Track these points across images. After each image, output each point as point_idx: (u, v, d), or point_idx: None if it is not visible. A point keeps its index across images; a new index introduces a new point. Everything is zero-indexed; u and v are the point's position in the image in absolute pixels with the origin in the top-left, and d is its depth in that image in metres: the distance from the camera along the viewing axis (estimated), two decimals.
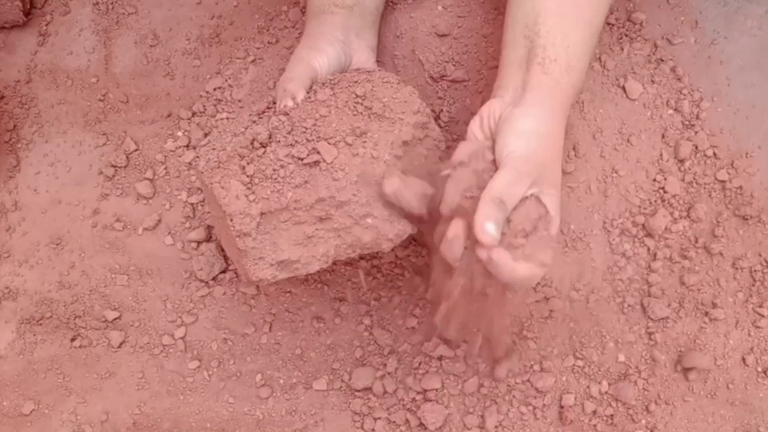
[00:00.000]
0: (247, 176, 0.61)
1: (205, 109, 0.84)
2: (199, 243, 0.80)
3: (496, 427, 0.75)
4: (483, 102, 0.69)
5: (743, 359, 0.77)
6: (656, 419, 0.76)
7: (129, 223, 0.82)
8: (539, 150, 0.64)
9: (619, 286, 0.78)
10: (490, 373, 0.77)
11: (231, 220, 0.61)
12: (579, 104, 0.81)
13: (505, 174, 0.62)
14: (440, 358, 0.77)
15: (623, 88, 0.82)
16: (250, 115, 0.67)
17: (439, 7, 0.83)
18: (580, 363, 0.77)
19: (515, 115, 0.65)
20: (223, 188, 0.61)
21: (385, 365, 0.77)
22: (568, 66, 0.66)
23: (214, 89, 0.84)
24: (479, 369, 0.77)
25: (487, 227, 0.60)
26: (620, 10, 0.84)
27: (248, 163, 0.62)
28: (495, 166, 0.63)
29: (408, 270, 0.78)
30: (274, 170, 0.61)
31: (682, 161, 0.80)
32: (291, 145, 0.62)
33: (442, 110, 0.80)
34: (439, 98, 0.81)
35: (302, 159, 0.62)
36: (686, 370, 0.76)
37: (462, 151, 0.64)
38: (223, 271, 0.80)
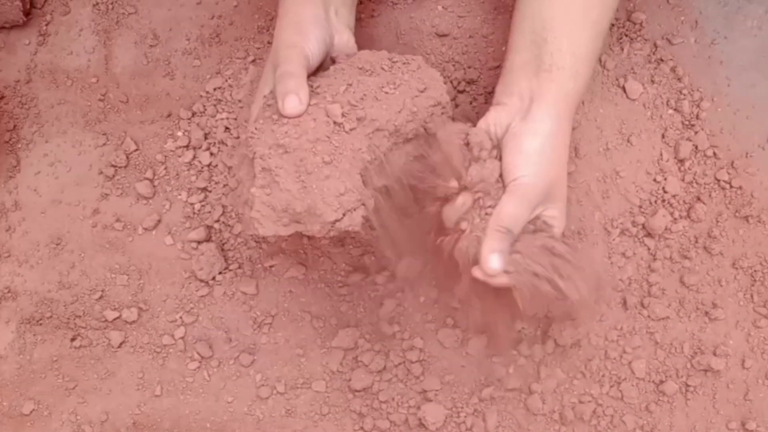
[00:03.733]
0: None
1: (205, 109, 0.84)
2: (199, 243, 0.80)
3: (496, 427, 0.75)
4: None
5: (743, 359, 0.77)
6: (656, 419, 0.76)
7: (129, 223, 0.82)
8: (547, 172, 0.64)
9: (619, 286, 0.78)
10: (491, 373, 0.77)
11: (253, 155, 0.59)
12: (579, 104, 0.81)
13: (513, 202, 0.62)
14: (440, 359, 0.77)
15: (623, 88, 0.82)
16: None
17: (439, 7, 0.83)
18: (580, 362, 0.77)
19: (522, 132, 0.64)
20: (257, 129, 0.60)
21: (385, 365, 0.77)
22: (575, 72, 0.66)
23: (214, 89, 0.84)
24: (479, 369, 0.77)
25: (492, 260, 0.61)
26: (620, 10, 0.84)
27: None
28: (501, 183, 0.63)
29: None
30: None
31: (682, 161, 0.80)
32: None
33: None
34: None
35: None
36: (687, 371, 0.76)
37: (476, 174, 0.64)
38: (223, 271, 0.80)
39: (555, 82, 0.65)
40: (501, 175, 0.64)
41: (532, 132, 0.64)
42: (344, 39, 0.68)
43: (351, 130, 0.60)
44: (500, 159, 0.64)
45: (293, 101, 0.59)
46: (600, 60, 0.82)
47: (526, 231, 0.64)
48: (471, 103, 0.81)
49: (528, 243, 0.64)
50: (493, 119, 0.66)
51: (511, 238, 0.62)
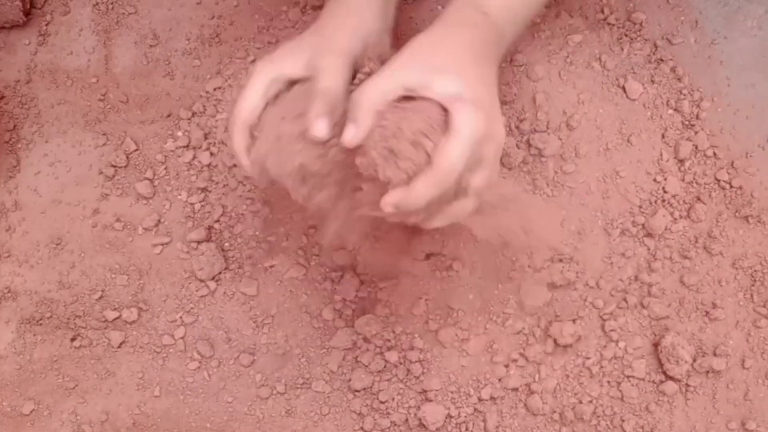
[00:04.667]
0: None
1: (205, 109, 0.84)
2: (199, 243, 0.80)
3: (496, 427, 0.75)
4: None
5: (743, 359, 0.77)
6: (656, 419, 0.76)
7: (129, 223, 0.82)
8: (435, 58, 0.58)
9: (619, 286, 0.78)
10: (491, 373, 0.77)
11: None
12: (579, 104, 0.81)
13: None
14: (440, 359, 0.77)
15: (623, 88, 0.82)
16: None
17: (439, 7, 0.83)
18: (580, 362, 0.77)
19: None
20: None
21: (385, 365, 0.77)
22: (500, 17, 0.62)
23: (214, 89, 0.84)
24: (479, 369, 0.77)
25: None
26: (620, 10, 0.84)
27: None
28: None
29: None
30: None
31: (682, 161, 0.80)
32: None
33: None
34: None
35: None
36: (687, 371, 0.76)
37: None
38: (223, 271, 0.80)
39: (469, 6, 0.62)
40: None
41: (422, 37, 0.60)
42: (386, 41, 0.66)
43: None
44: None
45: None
46: (600, 60, 0.82)
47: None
48: None
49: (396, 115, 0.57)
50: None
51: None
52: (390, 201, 0.56)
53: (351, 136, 0.56)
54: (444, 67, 0.57)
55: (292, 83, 0.62)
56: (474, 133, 0.55)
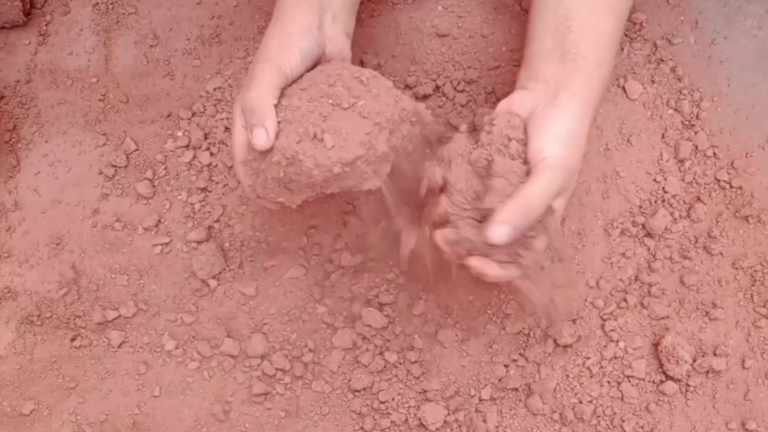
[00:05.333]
0: None
1: (205, 109, 0.84)
2: (199, 243, 0.80)
3: (496, 427, 0.75)
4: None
5: (743, 359, 0.77)
6: (656, 419, 0.76)
7: (129, 223, 0.82)
8: (573, 156, 0.63)
9: (619, 286, 0.78)
10: (491, 373, 0.77)
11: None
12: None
13: (540, 180, 0.61)
14: (440, 359, 0.77)
15: (623, 88, 0.82)
16: None
17: (439, 7, 0.83)
18: (580, 362, 0.77)
19: (552, 116, 0.63)
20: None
21: (385, 365, 0.77)
22: (599, 61, 0.65)
23: (214, 89, 0.84)
24: (479, 369, 0.77)
25: (499, 229, 0.59)
26: None
27: None
28: (524, 165, 0.63)
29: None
30: None
31: (682, 161, 0.80)
32: None
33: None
34: (439, 106, 0.81)
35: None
36: (687, 371, 0.76)
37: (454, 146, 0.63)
38: (223, 271, 0.80)
39: (581, 72, 0.65)
40: (524, 159, 0.63)
41: (561, 116, 0.63)
42: (338, 47, 0.67)
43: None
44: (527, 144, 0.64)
45: (261, 137, 0.60)
46: None
47: None
48: (468, 103, 0.81)
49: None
50: (518, 102, 0.65)
51: (529, 219, 0.60)
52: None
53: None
54: (572, 186, 0.65)
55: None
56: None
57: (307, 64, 0.64)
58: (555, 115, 0.63)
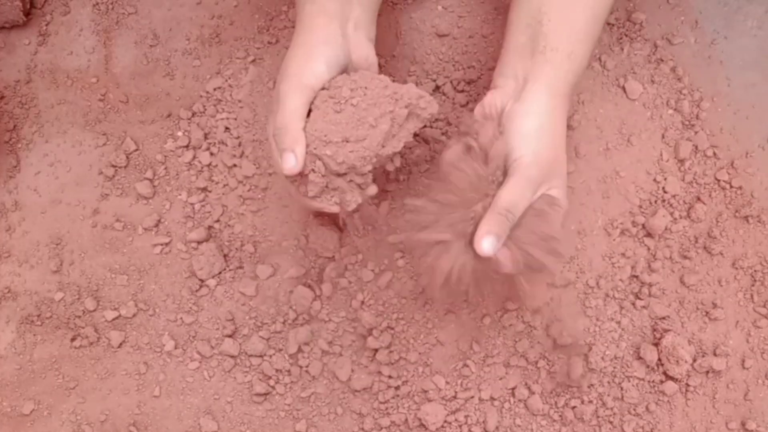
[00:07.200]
0: None
1: (205, 109, 0.84)
2: (199, 243, 0.80)
3: (496, 427, 0.75)
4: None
5: (743, 359, 0.77)
6: (656, 419, 0.76)
7: (129, 223, 0.82)
8: (545, 149, 0.64)
9: (620, 286, 0.78)
10: (490, 373, 0.77)
11: None
12: (579, 104, 0.81)
13: (513, 182, 0.62)
14: (440, 359, 0.77)
15: (623, 88, 0.82)
16: None
17: (439, 7, 0.83)
18: (579, 362, 0.77)
19: (517, 113, 0.64)
20: None
21: (385, 365, 0.77)
22: (570, 53, 0.66)
23: (214, 89, 0.84)
24: (480, 369, 0.77)
25: (485, 243, 0.61)
26: (620, 10, 0.84)
27: None
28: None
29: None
30: None
31: (682, 161, 0.80)
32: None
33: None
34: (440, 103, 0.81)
35: None
36: (688, 371, 0.76)
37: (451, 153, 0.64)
38: (223, 271, 0.80)
39: (549, 63, 0.65)
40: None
41: (527, 112, 0.64)
42: (363, 54, 0.67)
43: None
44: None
45: (290, 161, 0.62)
46: (600, 60, 0.82)
47: (529, 214, 0.64)
48: (468, 103, 0.81)
49: (527, 229, 0.63)
50: (488, 102, 0.66)
51: (512, 221, 0.62)
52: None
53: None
54: (558, 176, 0.65)
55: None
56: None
57: (333, 72, 0.64)
58: (521, 112, 0.64)
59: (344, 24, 0.65)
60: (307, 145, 0.62)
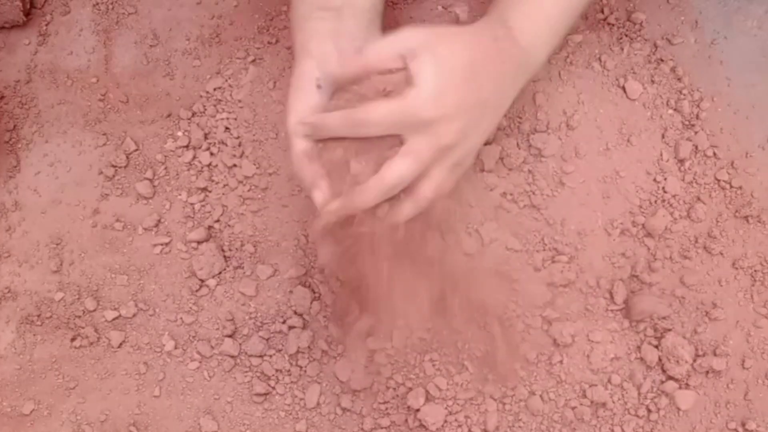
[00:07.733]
0: None
1: (205, 109, 0.84)
2: (199, 243, 0.80)
3: (496, 427, 0.75)
4: None
5: (743, 359, 0.77)
6: (656, 419, 0.76)
7: (129, 223, 0.82)
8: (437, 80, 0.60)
9: (619, 286, 0.78)
10: (490, 373, 0.77)
11: None
12: (579, 104, 0.81)
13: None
14: (440, 359, 0.77)
15: (623, 88, 0.82)
16: None
17: (439, 7, 0.83)
18: (580, 362, 0.77)
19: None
20: None
21: (385, 365, 0.77)
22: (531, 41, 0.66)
23: (214, 89, 0.84)
24: (479, 369, 0.77)
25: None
26: (620, 10, 0.84)
27: None
28: None
29: None
30: None
31: (682, 161, 0.80)
32: None
33: None
34: None
35: None
36: (688, 370, 0.76)
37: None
38: (223, 271, 0.80)
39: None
40: None
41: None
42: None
43: None
44: None
45: (318, 199, 0.62)
46: (600, 60, 0.82)
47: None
48: None
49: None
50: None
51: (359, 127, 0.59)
52: (332, 209, 0.60)
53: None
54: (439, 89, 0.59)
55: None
56: (426, 156, 0.59)
57: (330, 91, 0.64)
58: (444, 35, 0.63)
59: (337, 41, 0.64)
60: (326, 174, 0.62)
